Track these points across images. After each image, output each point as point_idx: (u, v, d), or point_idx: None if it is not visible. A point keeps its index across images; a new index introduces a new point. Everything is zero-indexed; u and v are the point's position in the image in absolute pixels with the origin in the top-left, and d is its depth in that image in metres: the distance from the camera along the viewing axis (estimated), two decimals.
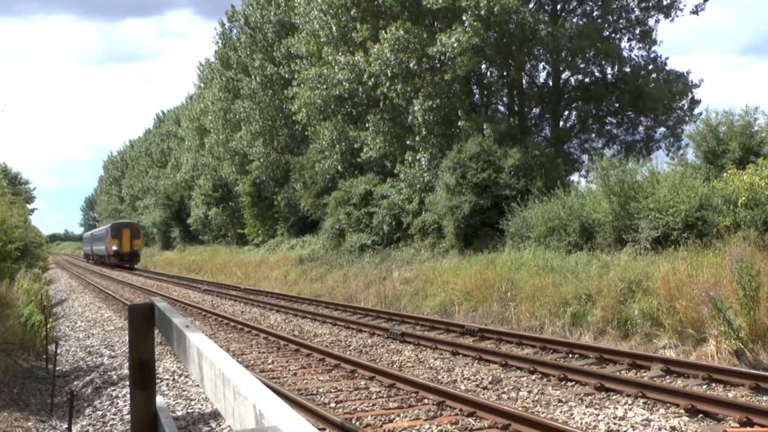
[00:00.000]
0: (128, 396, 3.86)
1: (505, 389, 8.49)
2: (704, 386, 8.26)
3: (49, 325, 12.94)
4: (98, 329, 16.29)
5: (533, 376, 9.22)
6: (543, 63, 25.73)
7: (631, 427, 6.65)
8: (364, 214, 26.25)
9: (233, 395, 1.75)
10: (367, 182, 27.08)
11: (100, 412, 8.43)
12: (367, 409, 7.68)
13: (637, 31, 24.91)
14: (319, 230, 31.34)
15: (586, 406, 7.49)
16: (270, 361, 10.93)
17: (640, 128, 25.38)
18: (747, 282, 9.59)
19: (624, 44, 24.96)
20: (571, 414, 7.23)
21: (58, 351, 11.85)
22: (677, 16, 24.27)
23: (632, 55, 25.21)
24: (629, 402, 7.61)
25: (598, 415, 7.09)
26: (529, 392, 8.27)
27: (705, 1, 24.05)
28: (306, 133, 32.29)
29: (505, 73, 24.83)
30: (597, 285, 12.77)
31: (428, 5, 21.92)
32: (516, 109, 25.36)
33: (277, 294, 23.62)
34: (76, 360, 12.77)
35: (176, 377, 9.69)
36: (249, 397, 1.62)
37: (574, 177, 24.88)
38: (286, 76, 34.35)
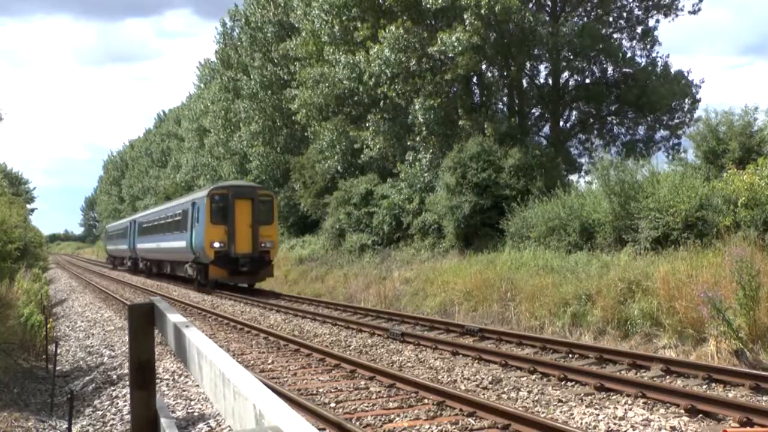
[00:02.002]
0: (128, 396, 3.86)
1: (505, 389, 8.49)
2: (704, 386, 8.25)
3: (49, 325, 12.93)
4: (98, 329, 16.29)
5: (533, 376, 9.21)
6: (543, 63, 25.77)
7: (631, 427, 6.64)
8: (364, 214, 26.25)
9: (233, 395, 1.75)
10: (367, 182, 27.09)
11: (100, 412, 8.43)
12: (367, 409, 7.68)
13: (638, 31, 24.94)
14: (319, 230, 31.35)
15: (586, 406, 7.49)
16: (270, 361, 10.92)
17: (641, 128, 25.43)
18: (747, 282, 9.59)
19: (624, 44, 25.01)
20: (571, 414, 7.22)
21: (58, 351, 11.85)
22: (676, 16, 24.35)
23: (633, 55, 25.27)
24: (629, 402, 7.60)
25: (598, 415, 7.09)
26: (529, 392, 8.27)
27: (700, 0, 24.15)
28: (306, 133, 32.29)
29: (505, 73, 24.84)
30: (597, 285, 12.76)
31: (428, 5, 21.92)
32: (516, 109, 25.37)
33: (277, 294, 23.62)
34: (76, 360, 12.76)
35: (176, 377, 9.69)
36: (249, 397, 1.62)
37: (574, 177, 24.93)
38: (285, 77, 34.39)
